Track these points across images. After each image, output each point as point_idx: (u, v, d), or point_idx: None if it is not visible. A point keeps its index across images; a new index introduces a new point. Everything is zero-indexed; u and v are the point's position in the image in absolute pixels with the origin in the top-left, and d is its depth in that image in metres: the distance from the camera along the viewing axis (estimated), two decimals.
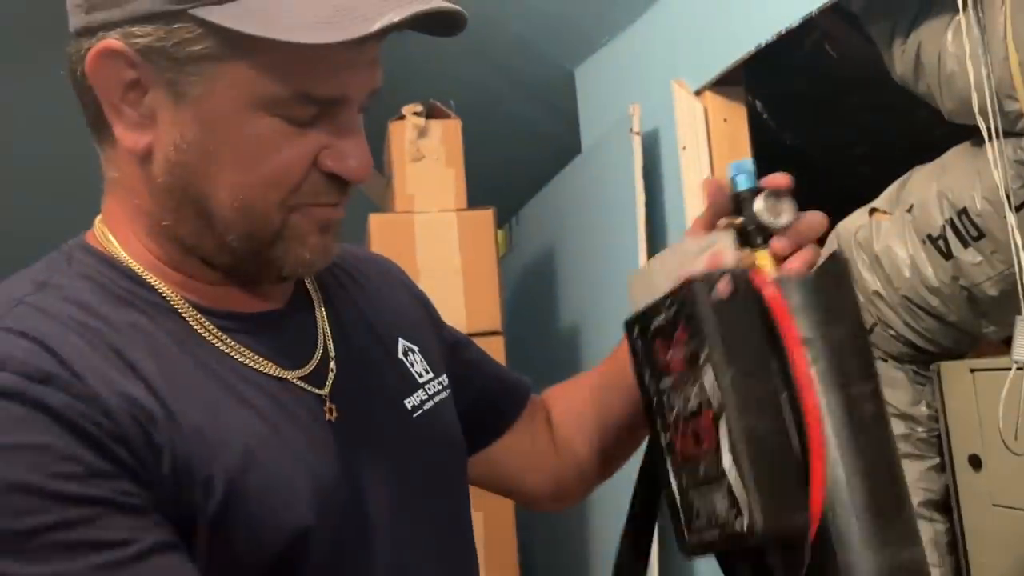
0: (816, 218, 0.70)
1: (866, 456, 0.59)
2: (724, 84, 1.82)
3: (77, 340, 0.59)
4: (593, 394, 0.90)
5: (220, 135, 0.61)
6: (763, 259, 0.68)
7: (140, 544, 0.55)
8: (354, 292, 0.80)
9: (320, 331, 0.73)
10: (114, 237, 0.67)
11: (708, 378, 0.59)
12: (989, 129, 1.27)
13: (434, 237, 2.03)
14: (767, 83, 2.01)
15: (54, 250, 0.68)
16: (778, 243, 0.69)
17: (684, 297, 0.61)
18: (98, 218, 0.69)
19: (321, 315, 0.74)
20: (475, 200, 2.11)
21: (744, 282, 0.61)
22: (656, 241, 1.96)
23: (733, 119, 1.84)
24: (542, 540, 2.59)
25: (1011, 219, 1.27)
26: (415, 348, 0.80)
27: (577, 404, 0.92)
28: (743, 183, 0.70)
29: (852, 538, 0.58)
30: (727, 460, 0.57)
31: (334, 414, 0.69)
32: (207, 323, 0.66)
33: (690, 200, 1.83)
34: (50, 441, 0.54)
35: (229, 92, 0.60)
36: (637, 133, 1.94)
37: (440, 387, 0.80)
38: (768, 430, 0.58)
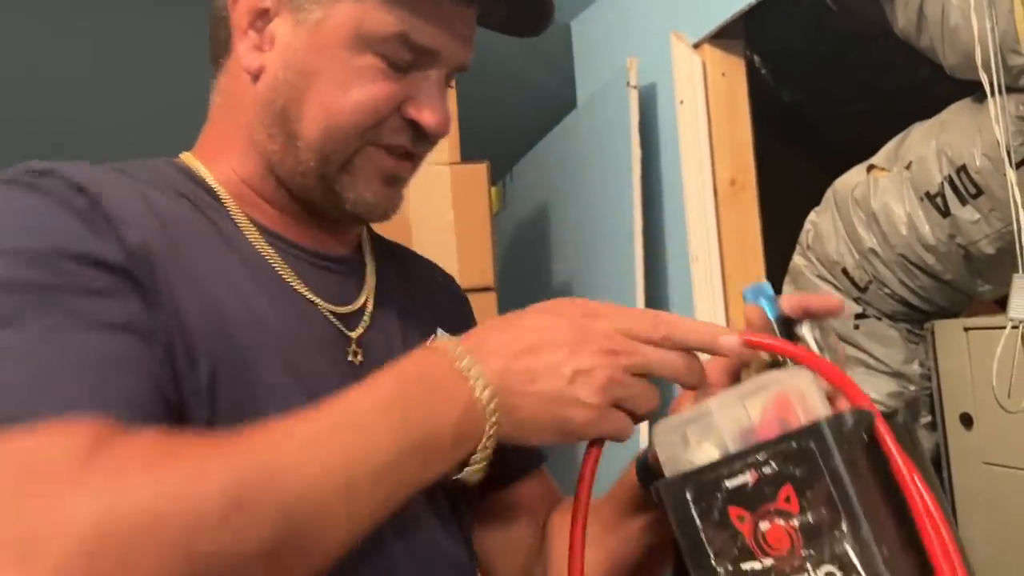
0: (843, 348, 0.64)
1: None
2: (723, 37, 1.79)
3: (124, 192, 0.61)
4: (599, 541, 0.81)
5: (325, 60, 0.67)
6: (756, 368, 0.59)
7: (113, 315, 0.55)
8: (404, 277, 0.81)
9: (367, 287, 0.75)
10: (200, 161, 0.72)
11: (854, 555, 0.47)
12: (991, 84, 1.25)
13: (427, 190, 2.01)
14: (766, 37, 1.98)
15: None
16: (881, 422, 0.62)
17: (803, 448, 0.48)
18: (187, 152, 0.73)
19: (371, 275, 0.76)
20: (468, 156, 2.09)
21: (870, 429, 0.49)
22: (651, 198, 1.94)
23: (731, 73, 1.81)
24: None
25: (1011, 176, 1.25)
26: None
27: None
28: (769, 310, 0.60)
29: None
30: None
31: (359, 358, 0.70)
32: (259, 235, 0.69)
33: (686, 155, 1.81)
34: (62, 222, 0.56)
35: (342, 23, 0.66)
36: (634, 87, 1.91)
37: None
38: None
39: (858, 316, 1.65)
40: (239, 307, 0.63)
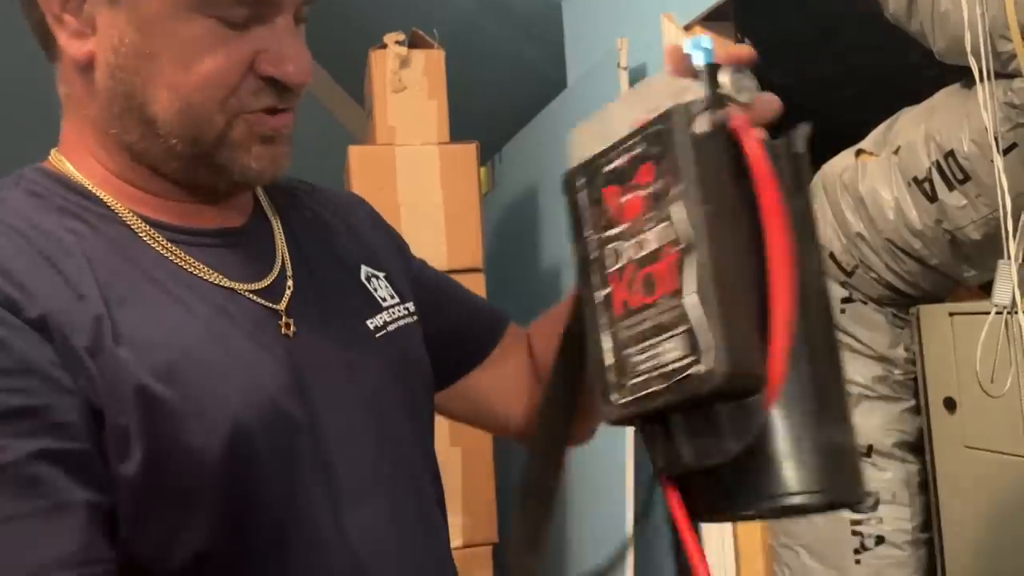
0: (772, 98, 0.66)
1: (815, 331, 0.55)
2: (713, 19, 1.79)
3: (6, 244, 0.60)
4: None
5: (156, 36, 0.62)
6: None
7: (19, 451, 0.55)
8: (315, 221, 0.79)
9: (278, 250, 0.72)
10: (68, 159, 0.68)
11: (678, 214, 0.53)
12: (981, 70, 1.25)
13: (415, 171, 2.00)
14: (757, 20, 1.97)
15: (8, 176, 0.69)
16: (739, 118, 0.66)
17: (658, 130, 0.56)
18: (54, 149, 0.70)
19: (279, 234, 0.74)
20: (458, 136, 2.08)
21: (725, 121, 0.56)
22: None
23: None
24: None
25: (998, 162, 1.26)
26: (380, 275, 0.80)
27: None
28: (702, 59, 0.64)
29: (793, 412, 0.53)
30: (691, 300, 0.52)
31: (291, 329, 0.68)
32: (155, 234, 0.66)
33: None
34: None
35: None
36: (624, 68, 1.90)
37: (406, 312, 0.79)
38: (740, 272, 0.53)
39: (844, 300, 1.66)
40: (150, 328, 0.61)
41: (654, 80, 0.62)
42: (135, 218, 0.66)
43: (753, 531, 1.82)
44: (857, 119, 1.67)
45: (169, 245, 0.66)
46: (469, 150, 2.07)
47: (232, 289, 0.67)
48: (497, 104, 2.81)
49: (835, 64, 2.11)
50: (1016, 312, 1.30)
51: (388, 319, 0.76)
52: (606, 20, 2.19)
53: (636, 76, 1.94)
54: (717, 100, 0.58)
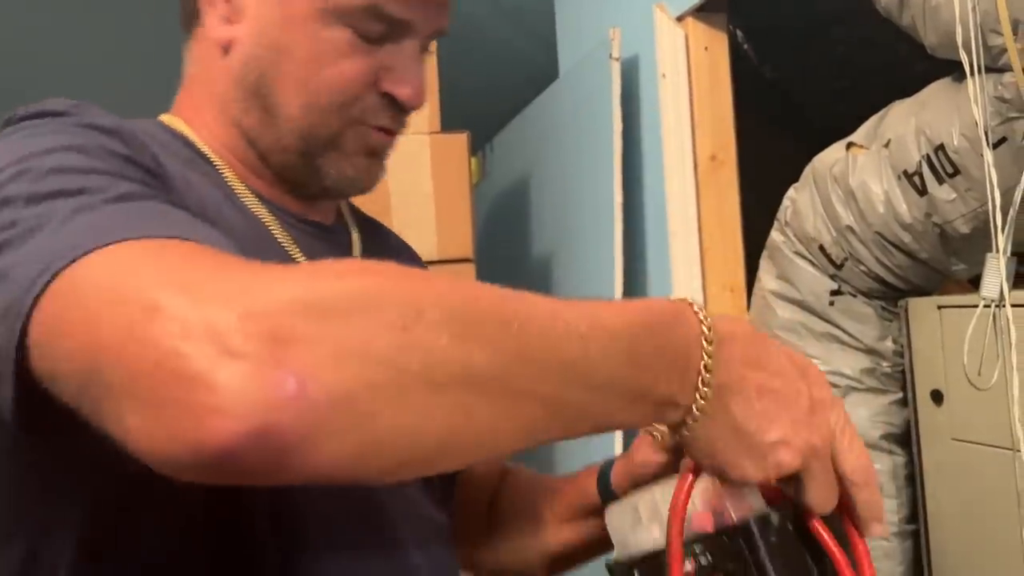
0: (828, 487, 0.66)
1: None
2: (706, 11, 1.79)
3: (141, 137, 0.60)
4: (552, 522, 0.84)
5: (295, 34, 0.65)
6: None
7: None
8: (380, 247, 0.81)
9: (354, 256, 0.75)
10: (185, 122, 0.70)
11: None
12: (971, 64, 1.25)
13: (406, 160, 2.00)
14: (749, 12, 1.97)
15: None
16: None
17: (734, 543, 0.54)
18: (164, 115, 0.72)
19: (356, 243, 0.77)
20: (449, 126, 2.07)
21: (791, 519, 0.55)
22: (631, 172, 1.94)
23: (714, 48, 1.81)
24: None
25: (988, 156, 1.26)
26: None
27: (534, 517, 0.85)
28: None
29: None
30: None
31: None
32: (257, 202, 0.69)
33: (667, 130, 1.81)
34: (99, 137, 0.55)
35: None
36: (616, 59, 1.90)
37: None
38: None
39: (833, 293, 1.66)
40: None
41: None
42: (241, 185, 0.69)
43: None
44: (848, 112, 1.67)
45: (267, 214, 0.68)
46: (460, 140, 2.06)
47: None
48: (488, 94, 2.81)
49: (826, 57, 2.11)
50: (1004, 306, 1.30)
51: None
52: (598, 10, 2.19)
53: (628, 67, 1.94)
54: (789, 506, 0.56)
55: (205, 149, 0.69)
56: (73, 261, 0.42)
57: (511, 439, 0.45)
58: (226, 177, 0.69)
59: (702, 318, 0.50)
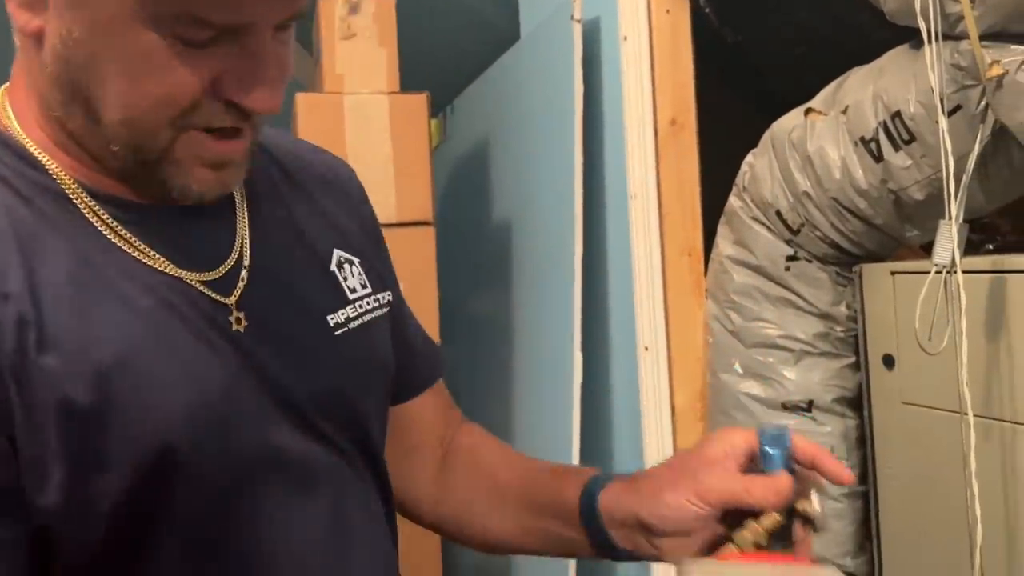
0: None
1: None
2: None
3: None
4: (523, 491, 0.81)
5: (106, 40, 0.55)
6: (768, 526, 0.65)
7: None
8: (289, 194, 0.73)
9: (237, 234, 0.66)
10: (12, 110, 0.62)
11: None
12: (928, 31, 1.26)
13: (364, 120, 1.97)
14: None
15: None
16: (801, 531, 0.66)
17: None
18: (4, 86, 0.64)
19: (242, 215, 0.68)
20: (408, 86, 2.04)
21: None
22: (592, 135, 1.94)
23: (676, 11, 1.79)
24: None
25: (943, 123, 1.27)
26: (355, 260, 0.74)
27: (503, 478, 0.82)
28: (778, 462, 0.65)
29: None
30: None
31: (243, 324, 0.63)
32: (99, 210, 0.60)
33: (628, 93, 1.80)
34: None
35: None
36: (578, 20, 1.88)
37: (376, 304, 0.74)
38: None
39: (789, 258, 1.68)
40: (82, 330, 0.56)
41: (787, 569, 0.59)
42: (76, 188, 0.61)
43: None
44: (808, 77, 1.68)
45: (113, 224, 0.60)
46: (420, 100, 2.04)
47: (179, 279, 0.62)
48: (449, 55, 2.77)
49: (787, 22, 2.11)
50: (955, 272, 1.32)
51: (352, 313, 0.71)
52: None
53: (590, 29, 1.92)
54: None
55: (35, 152, 0.60)
56: None
57: None
58: (63, 186, 0.60)
59: None
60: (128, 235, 0.61)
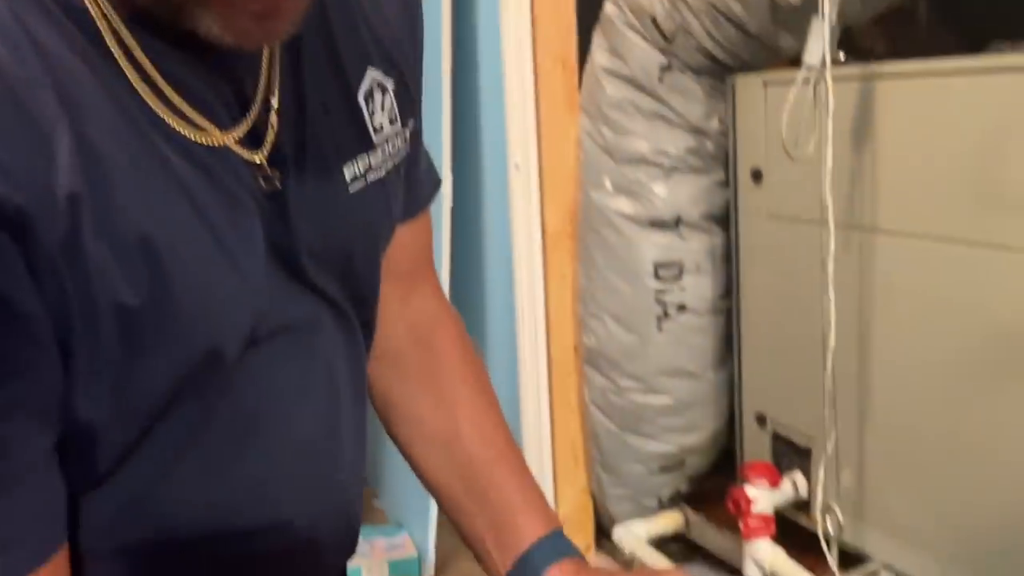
0: None
1: None
2: None
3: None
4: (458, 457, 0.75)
5: None
6: None
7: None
8: (323, 18, 0.60)
9: (263, 71, 0.56)
10: None
11: None
12: None
13: None
14: None
15: None
16: None
17: None
18: None
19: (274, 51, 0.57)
20: None
21: None
22: (463, 69, 1.80)
23: None
24: None
25: None
26: (388, 84, 0.64)
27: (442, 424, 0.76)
28: None
29: None
30: None
31: (274, 184, 0.56)
32: (128, 41, 0.49)
33: (506, 20, 1.66)
34: None
35: None
36: None
37: (400, 144, 0.65)
38: None
39: (663, 69, 1.61)
40: (147, 225, 0.49)
41: None
42: (108, 29, 0.49)
43: (564, 298, 1.84)
44: None
45: (143, 61, 0.50)
46: None
47: (221, 148, 0.53)
48: None
49: None
50: (825, 76, 1.28)
51: (370, 164, 0.62)
52: None
53: None
54: None
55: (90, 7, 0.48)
56: None
57: None
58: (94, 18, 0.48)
59: None
60: (155, 99, 0.50)
